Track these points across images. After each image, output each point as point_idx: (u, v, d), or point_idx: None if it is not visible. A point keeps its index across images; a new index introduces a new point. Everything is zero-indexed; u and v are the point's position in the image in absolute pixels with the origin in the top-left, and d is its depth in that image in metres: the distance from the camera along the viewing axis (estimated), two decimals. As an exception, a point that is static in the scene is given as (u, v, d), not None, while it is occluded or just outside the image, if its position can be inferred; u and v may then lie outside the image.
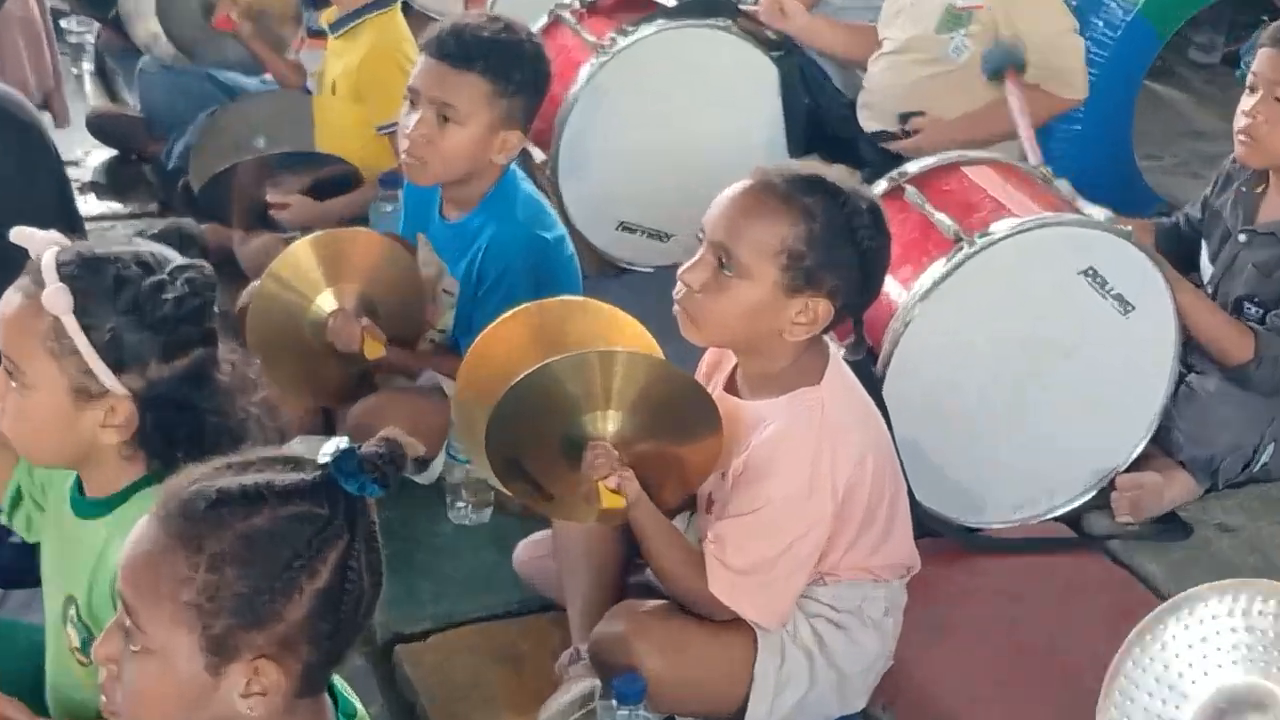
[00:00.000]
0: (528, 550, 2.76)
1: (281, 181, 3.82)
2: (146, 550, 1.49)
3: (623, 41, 3.73)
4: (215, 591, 1.44)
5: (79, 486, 1.95)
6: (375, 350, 2.84)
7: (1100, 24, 3.89)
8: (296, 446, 2.25)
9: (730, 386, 2.47)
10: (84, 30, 5.17)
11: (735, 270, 2.28)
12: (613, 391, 2.35)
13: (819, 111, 4.15)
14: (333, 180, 3.81)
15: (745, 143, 3.92)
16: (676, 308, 2.35)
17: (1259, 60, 3.10)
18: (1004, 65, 3.62)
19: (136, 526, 1.52)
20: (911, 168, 3.04)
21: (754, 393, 2.41)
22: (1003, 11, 3.73)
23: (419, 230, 3.06)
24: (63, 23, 5.07)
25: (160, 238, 1.92)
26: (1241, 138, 3.11)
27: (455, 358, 2.88)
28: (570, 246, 3.04)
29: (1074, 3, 3.90)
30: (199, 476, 1.51)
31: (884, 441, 2.43)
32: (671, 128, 3.88)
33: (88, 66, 5.14)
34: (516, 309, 2.58)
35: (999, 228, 2.83)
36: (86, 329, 1.79)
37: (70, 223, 2.62)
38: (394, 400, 2.97)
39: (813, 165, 2.39)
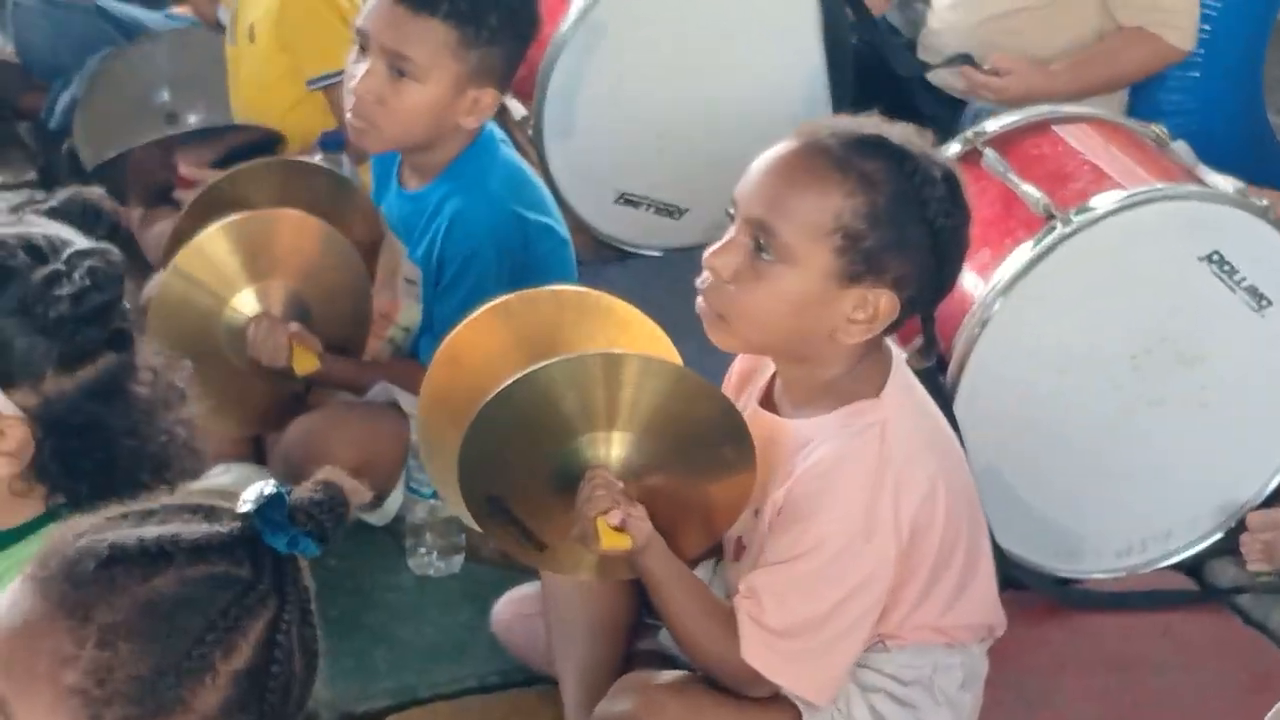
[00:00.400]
0: (510, 608, 2.77)
1: (190, 150, 3.83)
2: (21, 621, 1.46)
3: (623, -35, 3.77)
4: (107, 673, 1.43)
5: None
6: (307, 363, 2.85)
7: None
8: (219, 479, 2.27)
9: (767, 400, 2.48)
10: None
11: (776, 254, 2.27)
12: (620, 407, 2.35)
13: (869, 55, 4.19)
14: (253, 147, 3.82)
15: (778, 94, 3.97)
16: (701, 302, 2.35)
17: None
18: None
19: (6, 593, 1.51)
20: (991, 125, 3.08)
21: (797, 408, 2.42)
22: None
23: (378, 200, 3.10)
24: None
25: (57, 213, 1.90)
26: None
27: (416, 365, 2.91)
28: (564, 232, 3.07)
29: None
30: (87, 529, 1.49)
31: (959, 471, 2.45)
32: (686, 76, 3.92)
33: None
34: (494, 302, 2.56)
35: (1100, 202, 2.86)
36: None
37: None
38: (338, 421, 2.99)
39: (872, 122, 2.38)
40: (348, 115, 2.94)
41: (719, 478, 2.39)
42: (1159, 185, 2.92)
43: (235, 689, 1.45)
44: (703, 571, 2.56)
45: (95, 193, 1.96)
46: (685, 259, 4.03)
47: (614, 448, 2.37)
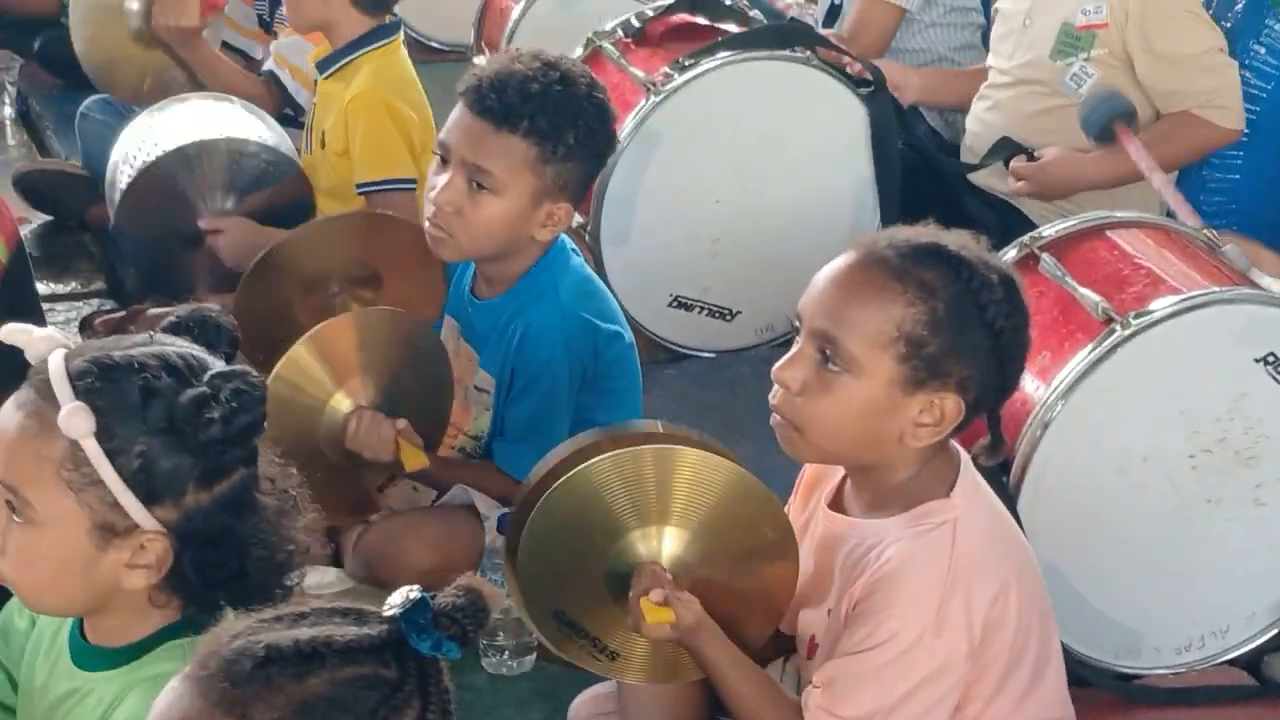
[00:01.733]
0: (586, 707, 2.78)
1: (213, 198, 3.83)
2: (180, 718, 1.54)
3: (679, 78, 3.85)
4: None
5: (79, 628, 1.99)
6: (416, 459, 2.88)
7: (1261, 50, 3.98)
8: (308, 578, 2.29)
9: (836, 502, 2.52)
10: (2, 67, 5.29)
11: (843, 364, 2.32)
12: (664, 503, 2.40)
13: (914, 158, 4.27)
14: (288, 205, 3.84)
15: (828, 199, 4.05)
16: (775, 417, 2.39)
17: None
18: (1109, 119, 3.71)
19: (166, 691, 1.56)
20: (1047, 231, 3.12)
21: (867, 509, 2.45)
22: (1135, 29, 3.85)
23: (450, 309, 3.14)
24: (-27, 57, 5.21)
25: (179, 328, 1.96)
26: None
27: (493, 468, 2.96)
28: (630, 338, 3.11)
29: (1227, 25, 4.01)
30: (243, 630, 1.55)
31: (1030, 568, 2.48)
32: (738, 182, 4.00)
33: (8, 111, 5.26)
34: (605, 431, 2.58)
35: (1158, 305, 2.89)
36: (112, 455, 1.82)
37: (23, 301, 2.68)
38: (416, 524, 3.02)
39: (928, 231, 2.44)
40: (425, 224, 2.99)
41: (763, 561, 2.45)
42: (1214, 289, 2.95)
43: None
44: (774, 671, 2.59)
45: (214, 309, 2.01)
46: (737, 360, 4.13)
47: (660, 543, 2.42)
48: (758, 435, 2.45)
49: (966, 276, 2.33)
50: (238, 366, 1.91)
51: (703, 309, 4.07)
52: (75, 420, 1.80)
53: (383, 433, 2.86)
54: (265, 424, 1.90)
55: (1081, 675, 2.95)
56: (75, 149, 4.72)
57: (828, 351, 2.33)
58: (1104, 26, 3.88)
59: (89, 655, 1.97)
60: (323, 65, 3.85)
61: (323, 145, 3.86)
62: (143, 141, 3.86)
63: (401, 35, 3.86)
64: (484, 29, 4.91)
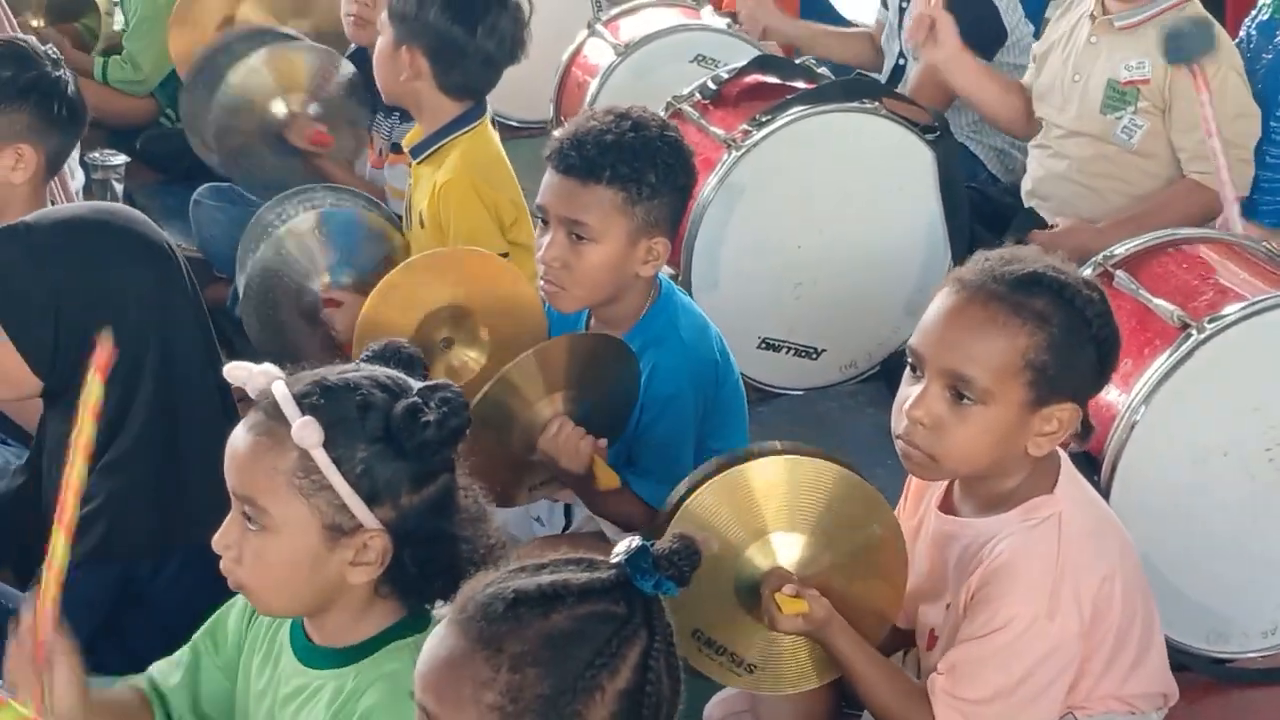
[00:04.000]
0: (721, 708, 2.91)
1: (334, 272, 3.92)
2: (446, 655, 1.75)
3: (757, 134, 4.01)
4: (519, 693, 1.70)
5: (301, 631, 2.18)
6: (610, 478, 3.00)
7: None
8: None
9: (946, 505, 2.69)
10: (109, 164, 5.47)
11: (977, 397, 2.46)
12: (800, 509, 2.57)
13: (978, 198, 4.45)
14: None
15: (902, 240, 4.22)
16: (905, 446, 2.53)
17: None
18: (1194, 52, 3.74)
19: (432, 636, 1.78)
20: (1119, 249, 3.29)
21: (978, 508, 2.63)
22: (1172, 84, 4.01)
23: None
24: (86, 156, 5.39)
25: (376, 358, 2.18)
26: None
27: (636, 498, 3.10)
28: (738, 368, 3.28)
29: (1268, 56, 4.16)
30: (494, 579, 1.77)
31: (1130, 553, 2.64)
32: (817, 227, 4.16)
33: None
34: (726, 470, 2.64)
35: (1230, 310, 3.06)
36: (338, 462, 2.03)
37: (213, 354, 2.88)
38: (551, 550, 3.16)
39: (1018, 257, 2.57)
40: (540, 283, 3.15)
41: (876, 558, 2.60)
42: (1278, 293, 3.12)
43: (618, 705, 1.73)
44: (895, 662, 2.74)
45: (404, 342, 2.23)
46: (824, 396, 4.30)
47: (781, 550, 2.58)
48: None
49: (1070, 297, 2.49)
50: (439, 380, 2.13)
51: (790, 349, 4.22)
52: (307, 431, 2.02)
53: (582, 446, 2.97)
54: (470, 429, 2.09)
55: (1179, 660, 3.05)
56: (183, 238, 4.85)
57: (961, 388, 2.47)
58: (1146, 82, 4.04)
59: (317, 655, 2.16)
60: (416, 151, 3.95)
61: (421, 225, 3.97)
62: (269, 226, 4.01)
63: (489, 116, 3.95)
64: (562, 104, 5.07)
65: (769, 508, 2.58)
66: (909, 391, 2.52)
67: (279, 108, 4.55)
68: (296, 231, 3.92)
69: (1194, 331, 3.04)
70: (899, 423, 2.53)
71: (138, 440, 2.74)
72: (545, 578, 1.74)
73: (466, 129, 3.88)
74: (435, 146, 3.89)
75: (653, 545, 1.76)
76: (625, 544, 1.77)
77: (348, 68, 4.61)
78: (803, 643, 2.62)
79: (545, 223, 3.13)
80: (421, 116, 3.93)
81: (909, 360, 2.55)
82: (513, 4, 3.81)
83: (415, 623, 2.13)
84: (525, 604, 1.72)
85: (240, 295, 4.02)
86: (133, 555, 2.76)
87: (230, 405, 2.82)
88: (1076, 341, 2.49)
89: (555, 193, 3.10)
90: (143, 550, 2.77)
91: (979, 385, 2.46)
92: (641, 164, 3.07)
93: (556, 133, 3.18)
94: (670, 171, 3.11)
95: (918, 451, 2.51)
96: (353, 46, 4.68)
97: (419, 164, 3.95)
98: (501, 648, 1.71)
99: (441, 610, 2.06)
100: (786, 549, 2.59)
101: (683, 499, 2.61)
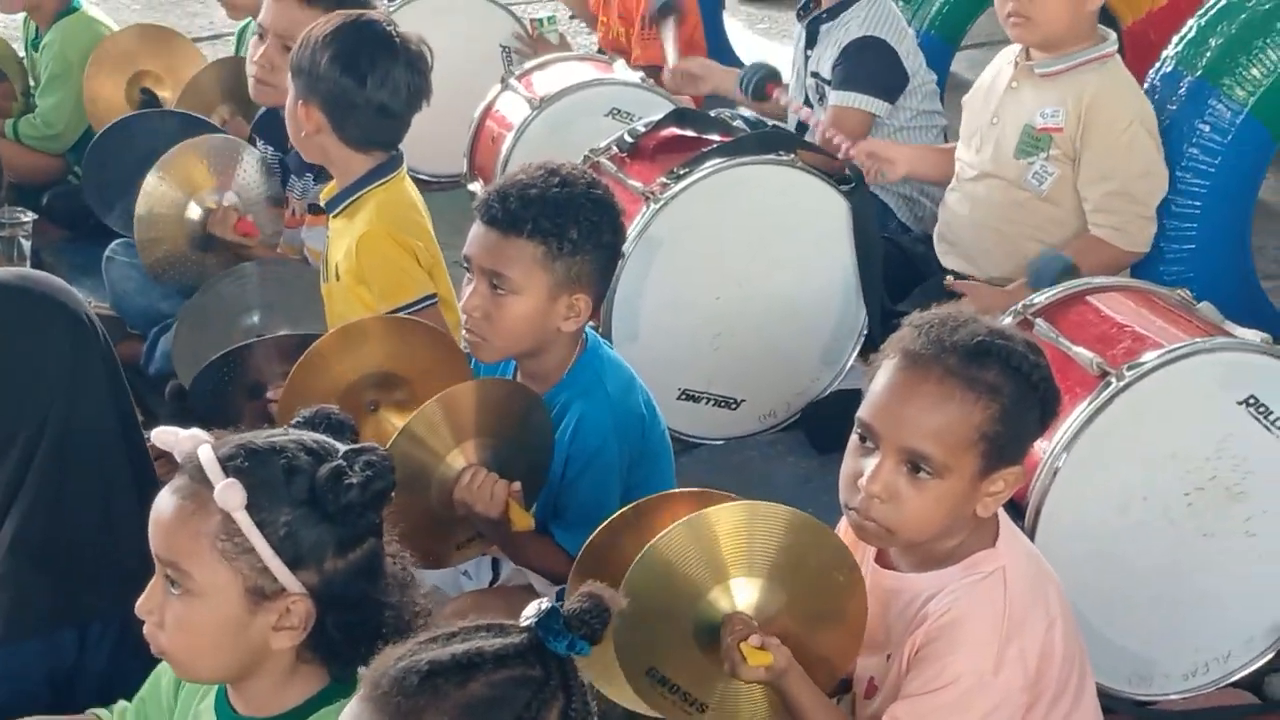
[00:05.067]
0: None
1: (270, 370, 3.86)
2: None
3: (675, 186, 4.03)
4: None
5: (225, 702, 2.15)
6: (524, 520, 2.99)
7: (1206, 129, 4.20)
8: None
9: (883, 558, 2.70)
10: (16, 223, 5.41)
11: (933, 470, 2.49)
12: (741, 556, 2.56)
13: (890, 248, 4.49)
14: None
15: (817, 289, 4.25)
16: (857, 518, 2.54)
17: None
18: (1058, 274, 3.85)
19: (345, 714, 1.75)
20: (1038, 298, 3.33)
21: (917, 564, 2.64)
22: (1082, 136, 4.08)
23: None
24: (-9, 216, 5.33)
25: (306, 424, 2.16)
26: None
27: (555, 546, 3.10)
28: (663, 418, 3.29)
29: (1172, 108, 4.23)
30: (404, 652, 1.75)
31: (1062, 598, 2.66)
32: (734, 279, 4.18)
33: (23, 267, 5.37)
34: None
35: (1148, 358, 3.09)
36: (260, 525, 2.01)
37: (128, 421, 2.84)
38: (483, 604, 3.10)
39: (951, 317, 2.56)
40: (462, 332, 3.15)
41: (836, 605, 2.60)
42: (1196, 340, 3.15)
43: None
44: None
45: (334, 409, 2.20)
46: (743, 445, 4.31)
47: (742, 595, 2.57)
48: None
49: (1017, 365, 2.52)
50: (365, 443, 2.11)
51: (709, 400, 4.24)
52: (230, 494, 2.00)
53: (496, 490, 2.96)
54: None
55: (1103, 704, 3.04)
56: (93, 295, 4.80)
57: (918, 463, 2.49)
58: (1060, 130, 4.10)
59: None
60: (331, 204, 3.91)
61: (337, 277, 3.92)
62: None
63: (404, 168, 3.90)
64: (475, 158, 5.07)
65: (737, 552, 2.57)
66: (862, 464, 2.53)
67: (194, 211, 4.52)
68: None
69: (1113, 379, 3.08)
70: (853, 496, 2.54)
71: (29, 515, 2.70)
72: (458, 646, 1.73)
73: (381, 181, 3.84)
74: (350, 200, 3.84)
75: (562, 606, 1.76)
76: (535, 606, 1.77)
77: (250, 151, 4.59)
78: (756, 686, 2.62)
79: (469, 273, 3.14)
80: (334, 170, 3.90)
81: (859, 431, 2.55)
82: (409, 53, 3.74)
83: (340, 690, 2.10)
84: (441, 674, 1.70)
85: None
86: (41, 629, 2.72)
87: (148, 470, 2.79)
88: (1025, 408, 2.52)
89: (479, 243, 3.11)
90: (49, 624, 2.73)
91: (937, 460, 2.48)
92: (564, 219, 3.07)
93: (486, 187, 3.18)
94: (594, 229, 3.11)
95: (873, 524, 2.53)
96: (263, 108, 4.65)
97: (335, 217, 3.92)
98: None
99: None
100: (744, 593, 2.59)
101: (598, 545, 2.65)
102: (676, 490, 2.95)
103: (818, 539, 2.60)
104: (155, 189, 4.46)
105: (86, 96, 5.26)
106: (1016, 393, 2.50)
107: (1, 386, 2.60)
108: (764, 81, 5.01)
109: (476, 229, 3.13)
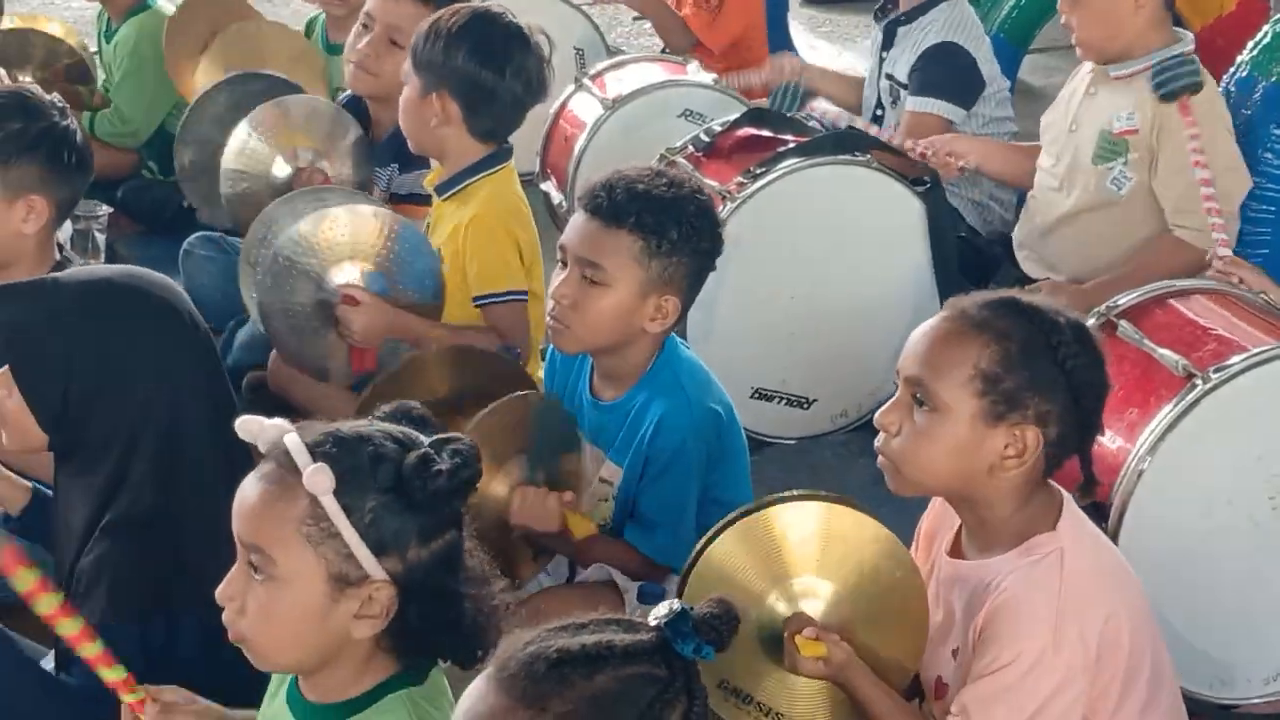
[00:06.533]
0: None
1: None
2: (486, 712, 1.72)
3: (752, 185, 4.02)
4: None
5: (297, 691, 2.15)
6: (585, 527, 3.00)
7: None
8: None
9: (955, 549, 2.69)
10: (91, 216, 5.44)
11: (931, 403, 2.53)
12: (806, 557, 2.56)
13: (967, 250, 4.47)
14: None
15: (891, 288, 4.22)
16: (880, 459, 2.60)
17: None
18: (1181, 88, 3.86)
19: (469, 692, 1.74)
20: (1122, 300, 3.31)
21: (982, 550, 2.63)
22: (1157, 135, 4.04)
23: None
24: (65, 208, 5.34)
25: (388, 418, 2.14)
26: None
27: (628, 547, 3.10)
28: (739, 417, 3.26)
29: (1247, 112, 4.21)
30: (534, 638, 1.74)
31: (1139, 596, 2.64)
32: (809, 278, 4.16)
33: (96, 261, 5.39)
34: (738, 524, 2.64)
35: (1235, 360, 3.07)
36: (347, 510, 2.00)
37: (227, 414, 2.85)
38: (563, 600, 3.09)
39: (1014, 290, 2.66)
40: (547, 318, 3.14)
41: (895, 603, 2.60)
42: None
43: None
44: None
45: (414, 404, 2.19)
46: (817, 445, 4.29)
47: (802, 597, 2.58)
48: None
49: (1037, 320, 2.55)
50: (454, 434, 2.11)
51: (782, 399, 4.23)
52: (318, 478, 1.99)
53: (549, 505, 2.98)
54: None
55: (1187, 707, 3.09)
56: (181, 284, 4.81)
57: (919, 395, 2.55)
58: (1134, 133, 4.06)
59: (313, 713, 2.13)
60: (441, 189, 3.91)
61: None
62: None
63: (513, 161, 3.93)
64: (547, 157, 5.08)
65: (794, 554, 2.58)
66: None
67: (281, 168, 4.39)
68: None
69: (1199, 381, 3.05)
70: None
71: (133, 504, 2.71)
72: (588, 638, 1.72)
73: (493, 169, 3.87)
74: (462, 185, 3.86)
75: (691, 609, 1.75)
76: (665, 606, 1.76)
77: (357, 130, 4.43)
78: (828, 689, 2.61)
79: (564, 264, 3.12)
80: (446, 159, 3.90)
81: (895, 381, 2.63)
82: (534, 43, 3.79)
83: (405, 679, 2.09)
84: (569, 664, 1.69)
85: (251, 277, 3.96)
86: (138, 614, 2.72)
87: (239, 462, 2.80)
88: (1036, 361, 2.51)
89: (578, 232, 3.10)
90: (146, 609, 2.73)
91: (933, 393, 2.53)
92: (666, 218, 3.06)
93: (593, 178, 3.17)
94: (694, 233, 3.10)
95: (886, 462, 2.59)
96: (346, 94, 4.63)
97: (442, 202, 3.93)
98: (546, 706, 1.68)
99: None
100: (810, 596, 2.59)
101: (702, 549, 2.60)
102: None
103: (881, 544, 2.60)
104: (266, 121, 4.37)
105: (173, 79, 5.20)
106: (1027, 342, 2.52)
107: (113, 381, 2.60)
108: (796, 100, 4.83)
109: (577, 218, 3.12)
